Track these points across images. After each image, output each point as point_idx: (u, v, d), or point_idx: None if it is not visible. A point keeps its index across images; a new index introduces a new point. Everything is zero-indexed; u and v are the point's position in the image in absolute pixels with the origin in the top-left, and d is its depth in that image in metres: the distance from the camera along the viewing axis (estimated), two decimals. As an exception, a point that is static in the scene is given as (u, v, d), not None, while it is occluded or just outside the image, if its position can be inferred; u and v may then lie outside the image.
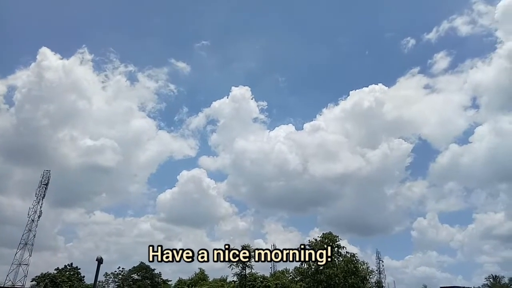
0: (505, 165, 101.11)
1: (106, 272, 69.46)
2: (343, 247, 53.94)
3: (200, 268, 74.87)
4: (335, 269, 49.32)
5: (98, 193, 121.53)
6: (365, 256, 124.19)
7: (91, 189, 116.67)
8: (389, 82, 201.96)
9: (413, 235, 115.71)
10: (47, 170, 71.04)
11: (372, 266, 68.01)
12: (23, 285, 63.56)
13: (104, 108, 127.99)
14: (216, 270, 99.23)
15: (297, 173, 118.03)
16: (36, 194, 68.67)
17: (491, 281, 73.62)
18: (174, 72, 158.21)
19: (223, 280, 68.82)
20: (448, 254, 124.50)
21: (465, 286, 67.61)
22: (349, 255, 52.81)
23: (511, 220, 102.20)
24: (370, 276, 59.20)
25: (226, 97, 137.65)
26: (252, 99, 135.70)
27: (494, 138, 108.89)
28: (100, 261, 11.00)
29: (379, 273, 76.73)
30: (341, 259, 52.48)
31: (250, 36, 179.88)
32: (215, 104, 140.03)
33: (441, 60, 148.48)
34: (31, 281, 63.77)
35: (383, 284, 74.02)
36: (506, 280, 73.01)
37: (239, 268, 56.77)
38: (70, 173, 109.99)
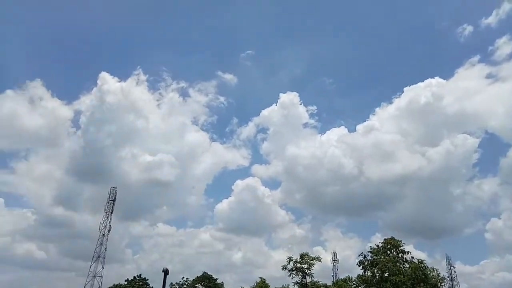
0: None
1: (171, 282, 72.15)
2: (408, 252, 51.16)
3: (260, 277, 75.10)
4: (402, 276, 46.77)
5: (160, 206, 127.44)
6: (434, 262, 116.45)
7: (153, 202, 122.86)
8: (447, 74, 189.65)
9: (487, 238, 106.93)
10: (113, 187, 75.99)
11: (443, 272, 63.64)
12: (98, 296, 68.11)
13: (160, 125, 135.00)
14: (276, 279, 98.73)
15: (353, 176, 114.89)
16: (105, 209, 73.68)
17: None
18: (222, 84, 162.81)
19: (285, 289, 68.22)
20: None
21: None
22: (416, 261, 49.90)
23: None
24: (442, 284, 55.39)
25: (275, 104, 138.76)
26: (300, 104, 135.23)
27: None
28: (166, 272, 11.47)
29: (451, 280, 71.47)
30: (407, 265, 49.74)
31: (293, 41, 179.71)
32: (264, 112, 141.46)
33: (504, 46, 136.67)
34: (105, 292, 68.22)
35: (457, 292, 68.83)
36: None
37: (299, 277, 56.07)
38: (133, 188, 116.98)
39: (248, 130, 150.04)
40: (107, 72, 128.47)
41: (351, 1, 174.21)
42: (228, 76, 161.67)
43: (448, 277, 68.97)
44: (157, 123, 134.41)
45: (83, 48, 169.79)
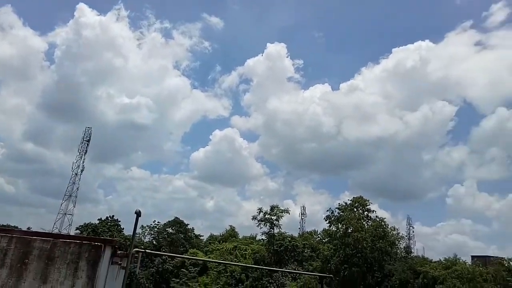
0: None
1: (142, 225, 73.23)
2: (373, 211, 53.96)
3: (230, 225, 77.97)
4: (364, 233, 49.69)
5: (135, 150, 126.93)
6: (396, 221, 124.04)
7: (128, 145, 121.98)
8: (437, 38, 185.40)
9: (448, 202, 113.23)
10: (88, 127, 74.30)
11: (403, 231, 67.88)
12: (68, 233, 68.98)
13: (140, 66, 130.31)
14: (245, 228, 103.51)
15: (331, 135, 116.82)
16: (78, 149, 72.54)
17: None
18: (207, 28, 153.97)
19: (253, 238, 71.35)
20: (484, 223, 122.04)
21: (498, 256, 66.18)
22: (378, 220, 52.87)
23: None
24: (399, 242, 59.30)
25: (261, 54, 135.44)
26: (287, 57, 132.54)
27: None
28: (138, 214, 11.50)
29: (409, 239, 76.53)
30: (371, 223, 52.68)
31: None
32: (249, 62, 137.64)
33: (498, 12, 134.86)
34: (75, 230, 69.06)
35: (412, 250, 74.03)
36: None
37: (267, 227, 58.54)
38: (108, 129, 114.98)
39: (231, 79, 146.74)
40: (86, 4, 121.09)
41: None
42: (214, 20, 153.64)
43: (406, 236, 73.70)
44: (136, 63, 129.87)
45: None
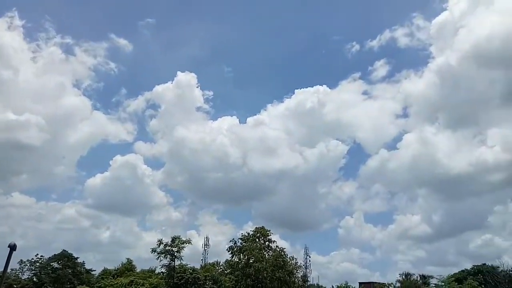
0: (425, 172, 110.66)
1: (21, 260, 64.26)
2: (274, 241, 55.70)
3: (127, 258, 72.57)
4: (264, 263, 50.78)
5: (18, 173, 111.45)
6: (295, 251, 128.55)
7: (10, 168, 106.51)
8: (332, 84, 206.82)
9: (340, 233, 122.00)
10: (-41, 145, 63.70)
11: (300, 261, 70.92)
12: None
13: (32, 81, 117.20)
14: (144, 261, 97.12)
15: (236, 166, 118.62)
16: None
17: (403, 277, 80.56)
18: (114, 49, 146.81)
19: (151, 271, 67.31)
20: (369, 251, 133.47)
21: (381, 282, 73.26)
22: (278, 250, 54.68)
23: (425, 222, 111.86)
24: (297, 271, 61.77)
25: (171, 82, 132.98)
26: (197, 87, 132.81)
27: (419, 146, 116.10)
28: (13, 247, 10.09)
29: (306, 268, 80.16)
30: (271, 253, 54.18)
31: (200, 19, 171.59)
32: (158, 88, 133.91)
33: (381, 68, 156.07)
34: None
35: (309, 279, 77.60)
36: (415, 277, 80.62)
37: (168, 259, 56.04)
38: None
39: (137, 103, 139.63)
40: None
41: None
42: (123, 42, 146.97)
43: (304, 265, 77.22)
44: (28, 77, 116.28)
45: None
